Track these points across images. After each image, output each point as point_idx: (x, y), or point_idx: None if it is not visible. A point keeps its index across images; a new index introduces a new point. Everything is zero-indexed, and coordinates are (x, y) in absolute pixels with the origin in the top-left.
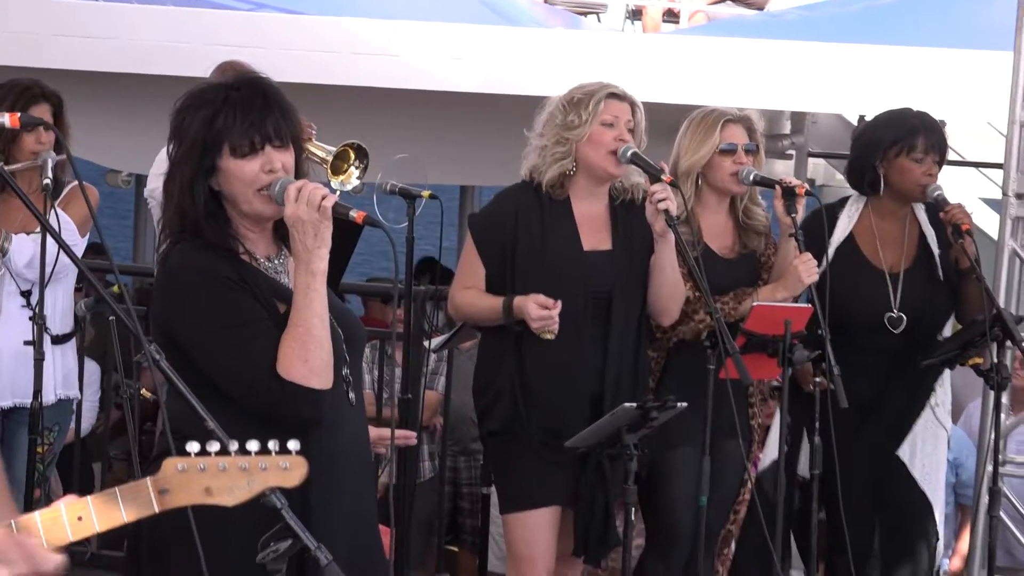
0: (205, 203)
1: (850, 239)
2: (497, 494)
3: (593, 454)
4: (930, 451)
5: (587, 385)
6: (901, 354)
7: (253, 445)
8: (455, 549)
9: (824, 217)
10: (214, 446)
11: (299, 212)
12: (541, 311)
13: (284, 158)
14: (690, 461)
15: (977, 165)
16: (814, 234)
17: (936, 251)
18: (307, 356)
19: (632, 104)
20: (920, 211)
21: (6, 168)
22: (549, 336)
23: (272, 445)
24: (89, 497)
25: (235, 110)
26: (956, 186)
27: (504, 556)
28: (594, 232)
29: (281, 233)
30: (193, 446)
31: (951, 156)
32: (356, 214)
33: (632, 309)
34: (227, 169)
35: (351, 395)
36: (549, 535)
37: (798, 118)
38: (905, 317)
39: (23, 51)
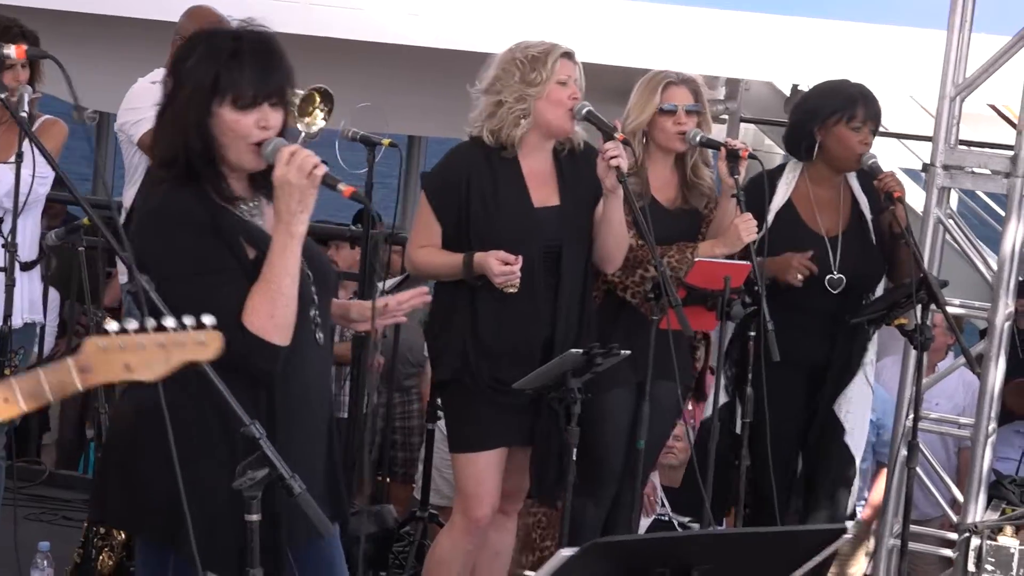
0: (201, 145)
1: (789, 205)
2: (447, 434)
3: (545, 398)
4: (856, 407)
5: (539, 334)
6: (837, 314)
7: (170, 322)
8: (387, 481)
9: (765, 183)
10: (132, 325)
11: (289, 175)
12: (503, 267)
13: (277, 117)
14: (621, 403)
15: (900, 137)
16: (754, 199)
17: (869, 216)
18: (273, 312)
19: (575, 63)
20: (852, 179)
21: None
22: (512, 290)
23: (189, 321)
24: (13, 378)
25: (243, 62)
26: (879, 157)
27: (438, 490)
28: (542, 187)
29: (255, 180)
30: (112, 325)
31: None
32: (344, 188)
33: (580, 261)
34: (223, 117)
35: (319, 335)
36: (496, 475)
37: (732, 84)
38: (845, 278)
39: None
